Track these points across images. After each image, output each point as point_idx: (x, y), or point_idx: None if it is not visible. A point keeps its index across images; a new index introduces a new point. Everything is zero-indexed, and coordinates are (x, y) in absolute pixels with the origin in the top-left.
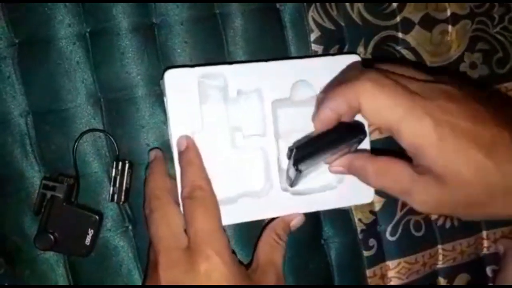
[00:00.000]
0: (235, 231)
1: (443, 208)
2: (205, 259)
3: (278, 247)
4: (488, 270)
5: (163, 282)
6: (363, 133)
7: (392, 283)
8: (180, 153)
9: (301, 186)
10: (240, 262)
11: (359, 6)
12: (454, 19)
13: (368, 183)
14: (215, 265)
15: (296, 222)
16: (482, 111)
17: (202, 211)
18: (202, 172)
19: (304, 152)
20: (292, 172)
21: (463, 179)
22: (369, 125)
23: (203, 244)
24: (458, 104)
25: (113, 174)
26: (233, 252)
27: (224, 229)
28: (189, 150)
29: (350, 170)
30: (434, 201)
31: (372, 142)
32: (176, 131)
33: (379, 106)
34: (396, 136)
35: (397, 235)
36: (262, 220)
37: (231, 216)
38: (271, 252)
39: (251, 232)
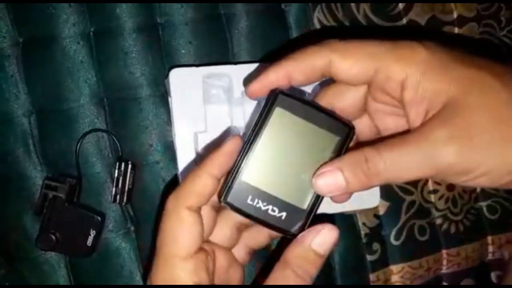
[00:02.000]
0: None
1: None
2: None
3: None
4: (493, 276)
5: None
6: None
7: None
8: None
9: None
10: None
11: (365, 7)
12: (461, 21)
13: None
14: None
15: (327, 243)
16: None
17: None
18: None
19: None
20: None
21: None
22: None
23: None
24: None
25: (116, 174)
26: None
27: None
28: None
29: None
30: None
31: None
32: (180, 131)
33: (358, 56)
34: (383, 81)
35: (401, 240)
36: None
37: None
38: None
39: None
